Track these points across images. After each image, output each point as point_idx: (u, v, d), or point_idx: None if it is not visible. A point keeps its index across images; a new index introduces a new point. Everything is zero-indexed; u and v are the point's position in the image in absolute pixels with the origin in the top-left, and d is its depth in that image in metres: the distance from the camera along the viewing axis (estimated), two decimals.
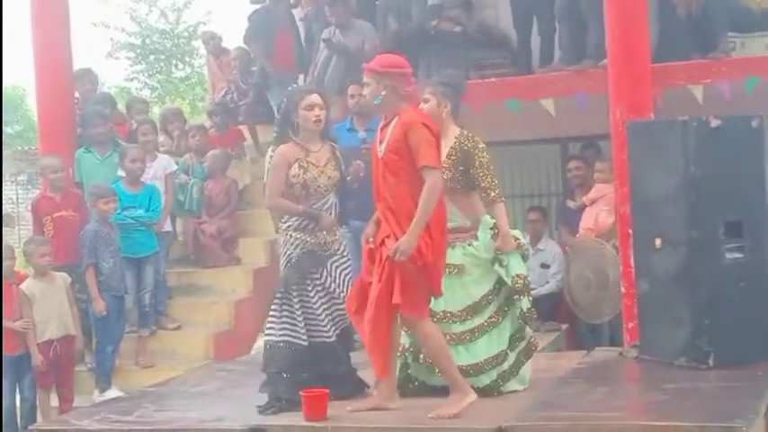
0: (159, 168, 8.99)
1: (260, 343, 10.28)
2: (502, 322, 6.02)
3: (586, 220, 8.19)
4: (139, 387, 7.41)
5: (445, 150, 5.79)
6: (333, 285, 5.98)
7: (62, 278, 7.84)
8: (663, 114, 7.33)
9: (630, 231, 6.85)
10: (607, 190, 8.03)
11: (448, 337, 5.80)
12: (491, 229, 5.96)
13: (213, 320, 8.83)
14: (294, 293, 5.93)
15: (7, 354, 7.65)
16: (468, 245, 5.94)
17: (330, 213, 5.94)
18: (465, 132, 6.00)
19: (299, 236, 5.90)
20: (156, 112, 15.10)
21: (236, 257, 9.32)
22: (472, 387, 5.70)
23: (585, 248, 7.90)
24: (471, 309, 5.94)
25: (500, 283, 6.02)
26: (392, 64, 5.47)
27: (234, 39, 11.04)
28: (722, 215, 6.33)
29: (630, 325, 6.97)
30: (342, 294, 5.95)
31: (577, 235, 8.31)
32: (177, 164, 9.34)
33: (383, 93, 5.38)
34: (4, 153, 22.30)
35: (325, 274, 5.97)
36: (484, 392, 5.82)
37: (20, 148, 23.67)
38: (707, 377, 6.03)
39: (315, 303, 5.95)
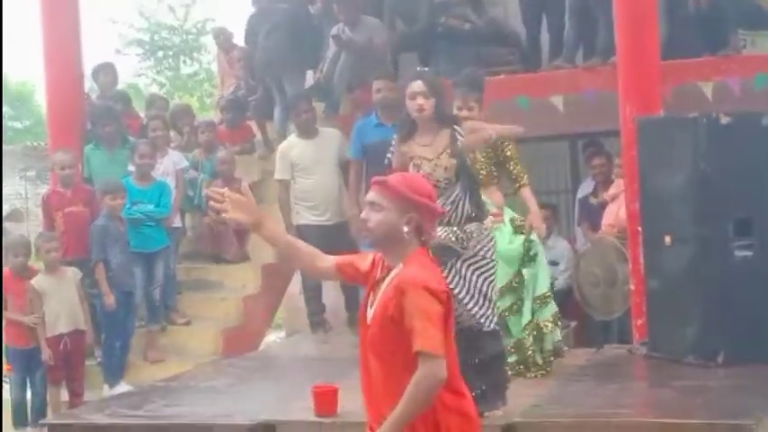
0: (170, 164, 9.02)
1: (269, 338, 10.36)
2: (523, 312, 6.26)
3: (608, 217, 8.17)
4: (149, 382, 7.44)
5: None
6: (460, 283, 5.45)
7: (72, 273, 7.86)
8: (672, 111, 7.33)
9: (640, 228, 6.85)
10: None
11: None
12: (511, 220, 6.26)
13: (222, 316, 8.85)
14: None
15: (18, 348, 7.69)
16: (497, 228, 6.01)
17: (457, 207, 5.45)
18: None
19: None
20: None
21: (246, 253, 9.33)
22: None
23: (603, 246, 7.87)
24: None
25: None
26: (423, 192, 3.66)
27: (243, 35, 11.05)
28: (732, 213, 6.34)
29: (640, 322, 6.98)
30: (469, 294, 5.45)
31: (599, 232, 8.29)
32: (187, 160, 9.36)
33: (405, 229, 3.61)
34: (13, 148, 22.40)
35: (453, 272, 5.45)
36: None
37: (29, 143, 23.70)
38: (716, 375, 6.04)
39: None
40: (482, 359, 5.41)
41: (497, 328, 5.61)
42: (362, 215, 3.71)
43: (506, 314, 6.24)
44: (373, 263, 3.74)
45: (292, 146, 8.67)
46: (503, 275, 6.07)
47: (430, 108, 5.47)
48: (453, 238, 5.42)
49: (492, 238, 5.61)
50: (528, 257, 6.36)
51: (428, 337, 3.45)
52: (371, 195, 3.69)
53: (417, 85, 5.49)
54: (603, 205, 8.37)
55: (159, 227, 8.59)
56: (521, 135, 6.12)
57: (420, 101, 5.46)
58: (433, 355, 3.45)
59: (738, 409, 5.21)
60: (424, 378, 3.45)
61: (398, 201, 3.62)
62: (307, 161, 8.54)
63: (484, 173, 6.20)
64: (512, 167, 6.37)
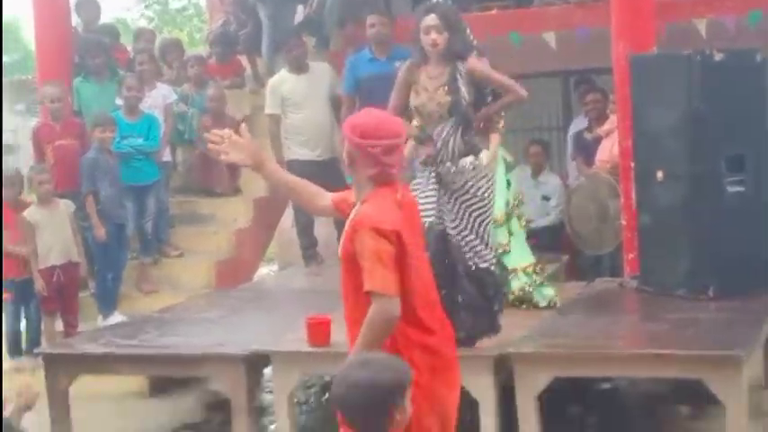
0: (158, 98, 8.96)
1: (262, 271, 10.41)
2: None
3: (602, 153, 8.19)
4: (143, 313, 7.50)
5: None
6: (455, 222, 5.51)
7: (65, 206, 7.85)
8: (666, 48, 7.31)
9: (632, 164, 6.88)
10: None
11: None
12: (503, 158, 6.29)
13: (214, 249, 8.88)
14: None
15: (12, 278, 7.71)
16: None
17: (447, 144, 5.49)
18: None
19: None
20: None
21: (237, 187, 9.33)
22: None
23: (599, 181, 7.89)
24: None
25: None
26: (360, 130, 3.73)
27: None
28: (724, 149, 6.36)
29: (631, 256, 7.03)
30: (461, 234, 5.48)
31: (593, 167, 8.31)
32: (176, 94, 9.31)
33: (347, 164, 3.82)
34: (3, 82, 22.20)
35: (448, 208, 5.53)
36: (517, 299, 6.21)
37: (17, 77, 23.50)
38: (707, 308, 6.10)
39: None
40: (481, 296, 5.41)
41: (491, 266, 5.60)
42: None
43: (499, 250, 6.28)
44: None
45: (283, 81, 8.64)
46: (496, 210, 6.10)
47: (443, 42, 5.46)
48: (443, 174, 5.46)
49: (487, 175, 5.60)
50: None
51: (377, 277, 3.57)
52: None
53: (431, 19, 5.47)
54: (598, 141, 8.38)
55: (149, 160, 8.58)
56: (512, 72, 6.06)
57: (433, 35, 5.45)
58: (382, 295, 3.57)
59: (728, 341, 5.28)
60: (375, 315, 3.57)
61: (346, 139, 3.79)
62: (297, 96, 8.53)
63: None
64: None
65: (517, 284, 6.34)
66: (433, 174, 5.55)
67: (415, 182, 5.58)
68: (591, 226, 7.87)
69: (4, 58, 30.37)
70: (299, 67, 8.62)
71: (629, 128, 6.94)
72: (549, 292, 6.45)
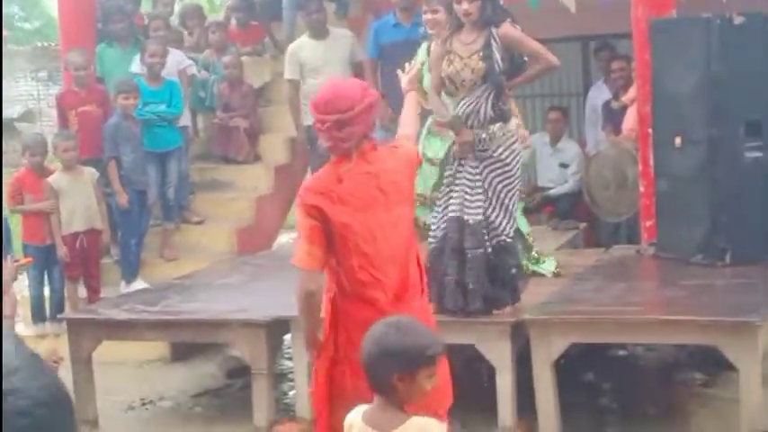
0: (173, 64, 8.94)
1: (282, 239, 10.47)
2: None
3: (628, 121, 8.13)
4: (165, 279, 7.57)
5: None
6: (486, 195, 5.47)
7: (89, 173, 7.90)
8: (685, 12, 7.27)
9: (650, 130, 6.87)
10: None
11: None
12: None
13: (235, 216, 8.93)
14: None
15: (35, 244, 7.78)
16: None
17: (479, 111, 5.47)
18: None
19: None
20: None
21: (257, 154, 9.37)
22: None
23: (621, 149, 7.85)
24: None
25: None
26: (314, 103, 3.96)
27: None
28: (743, 114, 6.34)
29: (648, 223, 7.03)
30: (486, 213, 5.44)
31: (620, 135, 8.28)
32: (197, 61, 9.33)
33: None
34: (24, 49, 22.29)
35: (478, 179, 5.48)
36: None
37: (39, 44, 23.58)
38: (723, 274, 6.10)
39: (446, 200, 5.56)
40: (505, 273, 5.47)
41: (511, 239, 5.59)
42: None
43: None
44: None
45: (302, 46, 8.65)
46: None
47: (475, 11, 5.46)
48: (473, 139, 5.45)
49: (516, 142, 5.60)
50: None
51: (297, 250, 3.87)
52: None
53: None
54: (624, 109, 8.33)
55: (171, 126, 8.61)
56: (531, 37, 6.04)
57: (465, 5, 5.46)
58: (299, 268, 3.84)
59: (744, 307, 5.29)
60: (296, 288, 3.89)
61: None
62: (317, 62, 8.53)
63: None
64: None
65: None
66: (462, 167, 5.52)
67: (446, 174, 5.61)
68: (609, 193, 7.86)
69: (26, 26, 30.51)
70: (319, 33, 8.62)
71: (648, 93, 6.92)
72: (550, 266, 6.45)
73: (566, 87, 10.65)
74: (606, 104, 8.80)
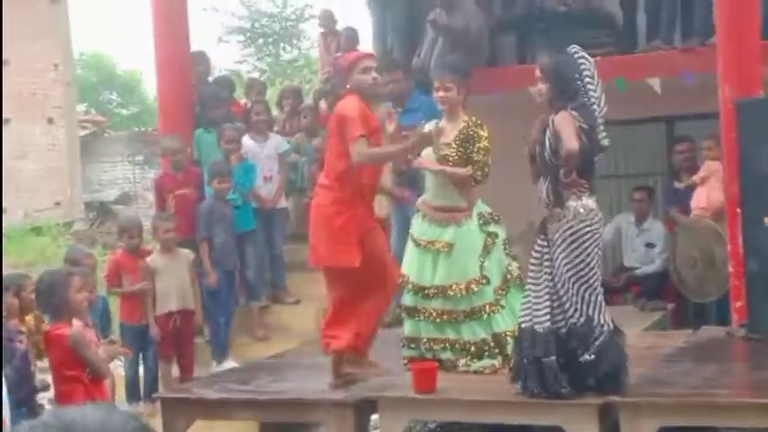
0: (272, 148, 9.20)
1: None
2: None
3: (698, 199, 8.10)
4: (255, 359, 7.67)
5: (453, 134, 6.15)
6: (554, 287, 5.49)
7: (185, 255, 8.11)
8: None
9: (739, 210, 6.84)
10: (717, 167, 7.83)
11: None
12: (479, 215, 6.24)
13: (324, 296, 8.99)
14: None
15: (131, 324, 7.98)
16: (459, 225, 6.18)
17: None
18: (473, 119, 6.25)
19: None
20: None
21: None
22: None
23: (700, 228, 7.82)
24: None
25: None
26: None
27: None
28: None
29: (739, 304, 6.95)
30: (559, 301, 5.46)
31: (691, 215, 8.25)
32: (290, 143, 9.57)
33: None
34: (121, 134, 23.01)
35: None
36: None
37: (136, 129, 24.35)
38: None
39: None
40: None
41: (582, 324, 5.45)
42: None
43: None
44: None
45: None
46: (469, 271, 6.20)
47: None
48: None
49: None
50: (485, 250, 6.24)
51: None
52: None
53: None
54: (691, 189, 8.31)
55: (246, 208, 8.77)
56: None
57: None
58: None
59: None
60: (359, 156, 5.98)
61: None
62: None
63: (453, 159, 6.23)
64: (476, 154, 6.19)
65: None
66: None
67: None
68: (696, 273, 7.80)
69: (124, 111, 31.48)
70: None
71: (735, 173, 6.91)
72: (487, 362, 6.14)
73: (651, 167, 10.63)
74: (667, 188, 8.79)
